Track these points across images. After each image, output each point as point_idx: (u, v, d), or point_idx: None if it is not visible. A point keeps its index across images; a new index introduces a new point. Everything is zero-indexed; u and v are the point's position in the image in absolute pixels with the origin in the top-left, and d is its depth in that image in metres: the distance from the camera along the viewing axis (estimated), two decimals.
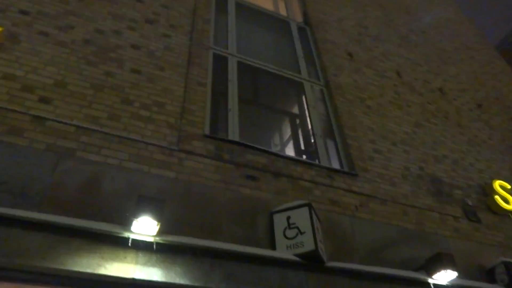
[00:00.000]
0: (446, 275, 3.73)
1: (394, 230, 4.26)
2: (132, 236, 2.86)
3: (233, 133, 4.30)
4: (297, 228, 3.43)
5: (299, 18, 7.12)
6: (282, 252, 3.33)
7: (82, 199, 2.99)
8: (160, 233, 2.97)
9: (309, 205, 3.54)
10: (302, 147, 5.11)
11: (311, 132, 5.07)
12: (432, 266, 3.78)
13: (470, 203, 5.21)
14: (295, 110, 5.64)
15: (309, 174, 4.27)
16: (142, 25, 4.78)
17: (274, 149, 4.59)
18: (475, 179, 5.71)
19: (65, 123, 3.43)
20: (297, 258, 3.29)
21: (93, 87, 3.82)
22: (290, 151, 5.29)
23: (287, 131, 5.60)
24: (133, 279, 2.72)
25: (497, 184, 5.62)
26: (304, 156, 4.98)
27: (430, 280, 3.74)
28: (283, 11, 7.18)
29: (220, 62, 5.15)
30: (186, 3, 5.52)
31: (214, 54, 5.17)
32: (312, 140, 4.99)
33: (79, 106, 3.62)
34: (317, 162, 4.65)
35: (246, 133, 4.77)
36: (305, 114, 5.36)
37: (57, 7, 4.41)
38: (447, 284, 3.80)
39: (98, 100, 3.73)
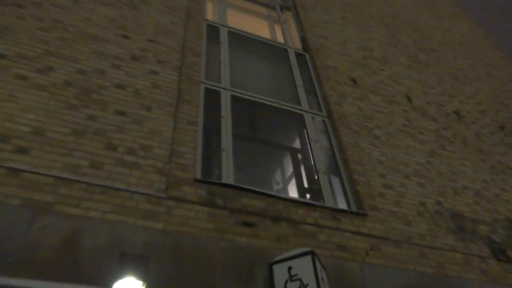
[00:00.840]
0: None
1: (411, 276, 4.18)
2: None
3: (227, 175, 4.32)
4: (300, 280, 3.38)
5: (297, 44, 7.29)
6: None
7: (60, 259, 3.00)
8: None
9: (312, 253, 3.50)
10: (306, 185, 5.10)
11: (314, 168, 5.08)
12: None
13: (497, 239, 5.11)
14: (296, 144, 5.67)
15: (312, 217, 4.25)
16: (128, 63, 4.91)
17: (275, 189, 4.60)
18: (501, 212, 5.63)
19: (43, 175, 3.48)
20: None
21: (74, 133, 3.90)
22: (293, 190, 5.29)
23: (289, 168, 5.62)
24: None
25: None
26: (308, 195, 4.97)
27: None
28: (280, 38, 7.36)
29: (212, 97, 5.24)
30: (175, 36, 5.69)
31: (206, 89, 5.27)
32: (316, 177, 4.99)
33: (58, 154, 3.68)
34: (321, 202, 4.63)
35: (242, 173, 4.78)
36: (307, 148, 5.38)
37: (37, 48, 4.57)
38: None
39: (79, 147, 3.80)
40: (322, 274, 3.49)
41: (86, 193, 3.47)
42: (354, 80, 6.80)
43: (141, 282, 2.85)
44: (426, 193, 5.29)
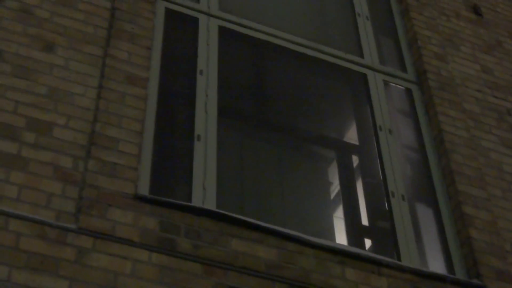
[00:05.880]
0: None
1: None
2: None
3: (204, 191, 4.40)
4: None
5: None
6: None
7: None
8: None
9: None
10: (364, 221, 5.15)
11: (383, 187, 5.15)
12: None
13: None
14: (349, 136, 5.71)
15: (373, 286, 4.31)
16: None
17: (297, 227, 4.60)
18: None
19: None
20: None
21: None
22: (338, 229, 5.34)
23: (331, 185, 5.66)
24: None
25: None
26: (368, 243, 5.02)
27: None
28: None
29: (182, 31, 5.36)
30: None
31: (169, 11, 5.38)
32: (386, 206, 5.06)
33: None
34: (394, 258, 4.70)
35: (233, 190, 4.82)
36: (370, 146, 5.48)
37: None
38: None
39: None
40: None
41: None
42: (476, 10, 6.82)
43: None
44: None
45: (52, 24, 4.70)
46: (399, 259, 4.71)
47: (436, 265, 4.87)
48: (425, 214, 5.16)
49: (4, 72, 4.30)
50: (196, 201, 4.34)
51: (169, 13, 5.38)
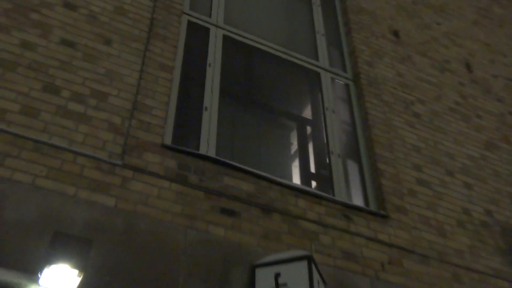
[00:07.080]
0: None
1: None
2: None
3: (208, 144, 4.49)
4: None
5: None
6: None
7: None
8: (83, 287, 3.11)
9: (309, 259, 3.67)
10: (312, 170, 5.26)
11: (326, 148, 5.25)
12: None
13: None
14: (306, 113, 5.78)
15: (315, 212, 4.44)
16: None
17: (270, 170, 4.71)
18: None
19: None
20: None
21: (1, 63, 3.98)
22: (294, 174, 5.44)
23: (292, 145, 5.75)
24: None
25: None
26: (314, 183, 5.13)
27: None
28: None
29: (198, 36, 5.36)
30: None
31: (190, 23, 5.41)
32: (327, 160, 5.16)
33: None
34: (330, 194, 4.84)
35: (229, 144, 4.90)
36: (319, 120, 5.54)
37: None
38: None
39: (8, 85, 3.89)
40: (319, 287, 3.67)
41: (13, 148, 3.59)
42: (396, 34, 6.88)
43: (76, 272, 2.99)
44: (473, 198, 5.48)
45: (110, 26, 4.70)
46: (333, 195, 4.87)
47: (358, 200, 5.02)
48: (352, 167, 5.30)
49: (77, 58, 4.33)
50: (202, 150, 4.46)
51: (190, 23, 5.43)
